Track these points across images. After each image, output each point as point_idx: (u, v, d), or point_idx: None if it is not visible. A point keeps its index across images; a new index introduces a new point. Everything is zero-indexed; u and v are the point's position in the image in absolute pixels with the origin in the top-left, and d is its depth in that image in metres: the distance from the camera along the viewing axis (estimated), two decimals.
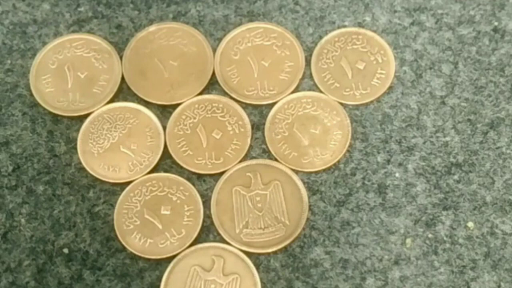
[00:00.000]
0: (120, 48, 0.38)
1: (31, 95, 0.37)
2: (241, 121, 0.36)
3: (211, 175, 0.35)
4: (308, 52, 0.38)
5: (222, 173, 0.35)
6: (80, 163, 0.35)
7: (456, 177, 0.35)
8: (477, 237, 0.34)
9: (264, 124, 0.36)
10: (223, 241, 0.34)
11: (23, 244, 0.34)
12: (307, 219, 0.34)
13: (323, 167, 0.35)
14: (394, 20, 0.38)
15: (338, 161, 0.35)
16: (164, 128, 0.36)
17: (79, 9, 0.39)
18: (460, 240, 0.34)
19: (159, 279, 0.33)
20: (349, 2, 0.39)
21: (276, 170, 0.35)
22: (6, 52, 0.38)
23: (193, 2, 0.39)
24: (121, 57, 0.38)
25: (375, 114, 0.36)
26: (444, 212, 0.34)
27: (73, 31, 0.39)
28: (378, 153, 0.35)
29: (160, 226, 0.34)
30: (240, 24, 0.38)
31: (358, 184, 0.35)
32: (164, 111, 0.37)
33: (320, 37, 0.38)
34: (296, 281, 0.33)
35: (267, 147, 0.36)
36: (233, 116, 0.36)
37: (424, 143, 0.36)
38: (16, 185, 0.35)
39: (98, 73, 0.37)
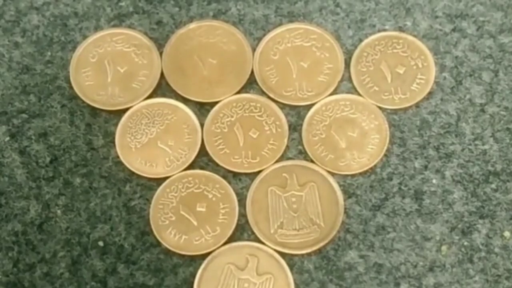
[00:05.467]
0: (160, 44, 0.38)
1: (71, 87, 0.37)
2: (278, 121, 0.36)
3: (247, 174, 0.35)
4: (348, 55, 0.38)
5: (258, 172, 0.35)
6: (118, 157, 0.36)
7: (493, 185, 0.35)
8: None
9: (301, 125, 0.36)
10: (258, 240, 0.34)
11: (59, 236, 0.34)
12: (342, 222, 0.34)
13: (360, 171, 0.35)
14: (435, 25, 0.38)
15: (375, 165, 0.35)
16: (202, 125, 0.36)
17: (120, 3, 0.39)
18: (496, 249, 0.33)
19: (193, 275, 0.33)
20: (390, 6, 0.39)
21: (312, 171, 0.35)
22: (46, 44, 0.38)
23: (234, 0, 0.39)
24: (161, 53, 0.38)
25: (414, 119, 0.36)
26: (481, 221, 0.34)
27: (114, 26, 0.39)
28: (416, 158, 0.35)
29: (195, 223, 0.34)
30: (280, 24, 0.38)
31: (395, 189, 0.35)
32: (202, 109, 0.37)
33: (360, 40, 0.38)
34: (330, 283, 0.33)
35: (303, 148, 0.36)
36: (271, 116, 0.36)
37: (462, 150, 0.35)
38: (53, 176, 0.36)
39: (138, 68, 0.37)
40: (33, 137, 0.36)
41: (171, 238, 0.34)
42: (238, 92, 0.37)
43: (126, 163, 0.35)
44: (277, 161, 0.35)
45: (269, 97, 0.37)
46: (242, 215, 0.34)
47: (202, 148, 0.36)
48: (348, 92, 0.37)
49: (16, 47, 0.38)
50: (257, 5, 0.39)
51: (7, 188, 0.35)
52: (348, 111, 0.36)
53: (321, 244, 0.34)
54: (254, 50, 0.38)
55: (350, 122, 0.36)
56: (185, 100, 0.37)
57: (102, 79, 0.37)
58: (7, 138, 0.36)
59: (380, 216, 0.34)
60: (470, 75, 0.37)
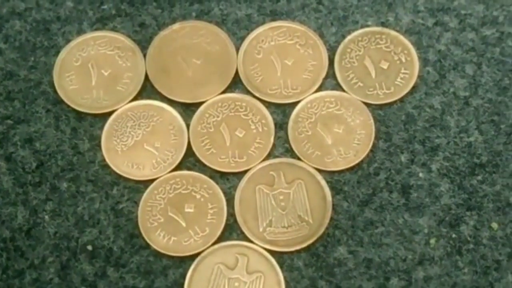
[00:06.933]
0: (143, 46, 0.38)
1: (55, 92, 0.37)
2: (264, 120, 0.36)
3: (234, 174, 0.35)
4: (331, 52, 0.38)
5: (246, 171, 0.35)
6: (104, 160, 0.35)
7: (480, 177, 0.35)
8: (500, 237, 0.34)
9: (287, 123, 0.36)
10: (247, 239, 0.34)
11: (47, 241, 0.34)
12: (331, 218, 0.34)
13: (347, 167, 0.35)
14: (417, 20, 0.38)
15: (362, 161, 0.35)
16: (188, 126, 0.36)
17: (102, 7, 0.39)
18: (484, 241, 0.34)
19: (183, 276, 0.33)
20: (372, 2, 0.39)
21: (299, 169, 0.35)
22: (29, 49, 0.38)
23: (216, 1, 0.39)
24: (144, 55, 0.38)
25: (399, 114, 0.36)
26: (468, 213, 0.34)
27: (97, 29, 0.39)
28: (402, 153, 0.35)
29: (183, 224, 0.34)
30: (263, 23, 0.38)
31: (382, 184, 0.35)
32: (187, 109, 0.37)
33: (343, 37, 0.38)
34: (320, 280, 0.33)
35: (290, 146, 0.36)
36: (256, 114, 0.36)
37: (447, 143, 0.36)
38: (40, 181, 0.35)
39: (122, 71, 0.37)
40: (18, 143, 0.36)
41: (160, 240, 0.34)
42: (223, 92, 0.37)
43: (113, 166, 0.35)
44: (264, 160, 0.36)
45: (254, 96, 0.37)
46: (231, 214, 0.35)
47: (189, 149, 0.36)
48: (332, 89, 0.37)
49: None
50: (240, 5, 0.39)
51: None
52: (333, 108, 0.36)
53: (310, 241, 0.34)
54: (238, 49, 0.38)
55: (336, 118, 0.36)
56: (170, 102, 0.37)
57: (86, 83, 0.37)
58: None
59: (368, 211, 0.34)
60: (454, 69, 0.37)
